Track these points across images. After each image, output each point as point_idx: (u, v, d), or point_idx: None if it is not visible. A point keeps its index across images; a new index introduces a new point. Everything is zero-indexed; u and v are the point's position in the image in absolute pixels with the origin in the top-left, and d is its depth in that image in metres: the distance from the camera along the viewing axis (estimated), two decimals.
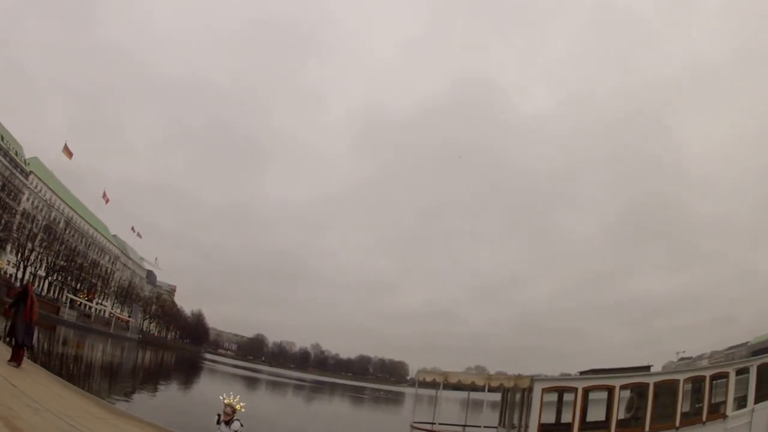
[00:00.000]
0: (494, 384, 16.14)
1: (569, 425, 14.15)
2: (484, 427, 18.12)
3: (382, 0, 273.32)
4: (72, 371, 34.44)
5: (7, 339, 14.78)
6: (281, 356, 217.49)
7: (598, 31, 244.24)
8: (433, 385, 16.69)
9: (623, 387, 14.20)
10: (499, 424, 18.14)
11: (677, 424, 13.92)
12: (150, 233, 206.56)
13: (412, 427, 16.11)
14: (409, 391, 50.45)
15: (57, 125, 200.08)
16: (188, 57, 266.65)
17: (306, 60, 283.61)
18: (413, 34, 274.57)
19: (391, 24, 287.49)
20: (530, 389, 14.92)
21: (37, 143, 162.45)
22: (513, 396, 17.48)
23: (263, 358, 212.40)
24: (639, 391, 14.42)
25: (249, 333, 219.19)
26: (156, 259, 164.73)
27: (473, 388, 17.48)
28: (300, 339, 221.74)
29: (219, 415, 8.57)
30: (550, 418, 14.73)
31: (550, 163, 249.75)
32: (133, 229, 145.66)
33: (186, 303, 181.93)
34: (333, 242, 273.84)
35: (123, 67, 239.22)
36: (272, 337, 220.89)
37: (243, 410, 8.52)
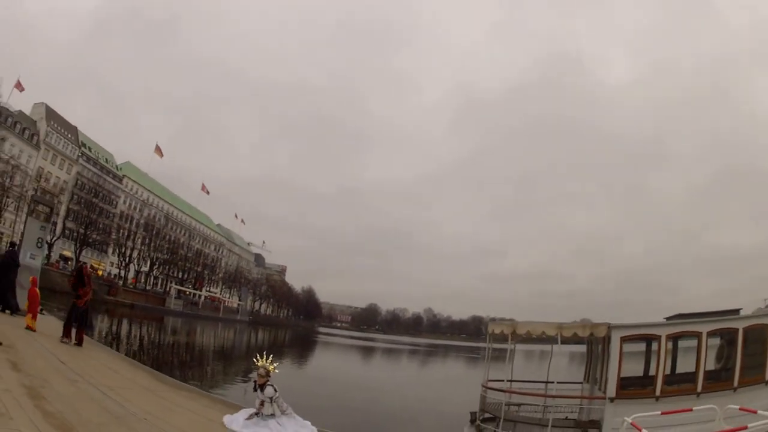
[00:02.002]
0: (567, 333, 13.59)
1: (653, 378, 12.36)
2: (569, 383, 16.11)
3: None
4: (181, 358, 35.05)
5: (70, 322, 14.46)
6: (394, 323, 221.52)
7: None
8: (503, 337, 14.62)
9: (711, 333, 12.47)
10: (584, 378, 16.27)
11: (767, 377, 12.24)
12: (259, 221, 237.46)
13: (484, 387, 14.35)
14: (521, 348, 45.20)
15: (159, 134, 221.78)
16: (283, 59, 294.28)
17: (397, 50, 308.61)
18: (496, 17, 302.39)
19: (473, 8, 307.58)
20: (608, 338, 12.94)
21: (139, 152, 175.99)
22: (595, 347, 15.64)
23: (377, 327, 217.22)
24: (728, 338, 12.74)
25: (362, 304, 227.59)
26: (263, 242, 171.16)
27: (545, 338, 14.76)
28: (412, 305, 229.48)
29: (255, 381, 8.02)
30: (632, 370, 13.14)
31: (636, 129, 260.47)
32: (236, 216, 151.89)
33: (297, 281, 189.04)
34: (438, 216, 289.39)
35: (219, 74, 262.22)
36: (385, 306, 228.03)
37: (277, 371, 8.07)
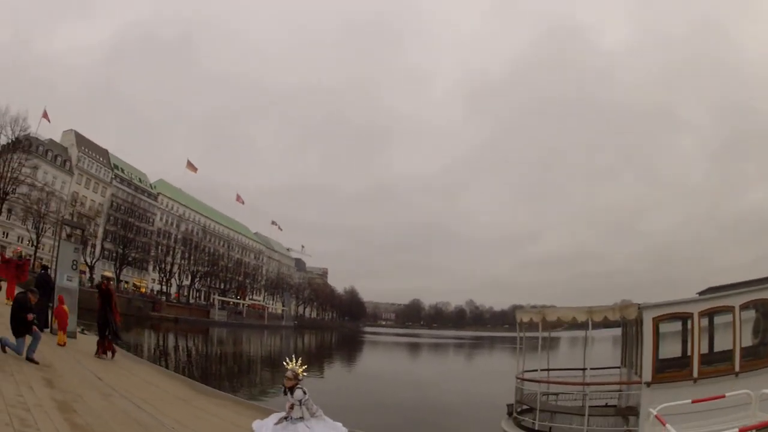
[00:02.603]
0: (597, 318, 13.06)
1: (690, 359, 11.55)
2: (606, 368, 15.97)
3: None
4: (229, 368, 35.51)
5: (103, 335, 15.35)
6: (438, 317, 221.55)
7: None
8: (533, 326, 14.11)
9: (744, 306, 11.50)
10: (621, 363, 15.88)
11: None
12: (296, 226, 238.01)
13: (518, 379, 13.82)
14: (563, 335, 49.49)
15: (189, 151, 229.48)
16: (297, 65, 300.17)
17: (403, 44, 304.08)
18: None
19: None
20: (640, 320, 12.17)
21: (171, 170, 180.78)
22: (630, 329, 14.82)
23: (421, 322, 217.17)
24: (764, 310, 11.76)
25: (405, 300, 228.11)
26: (302, 247, 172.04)
27: (576, 324, 14.15)
28: (454, 298, 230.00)
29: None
30: (670, 351, 12.38)
31: (645, 95, 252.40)
32: (273, 222, 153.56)
33: (339, 283, 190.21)
34: (469, 204, 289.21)
35: (240, 87, 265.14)
36: (427, 301, 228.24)
37: (305, 375, 7.90)
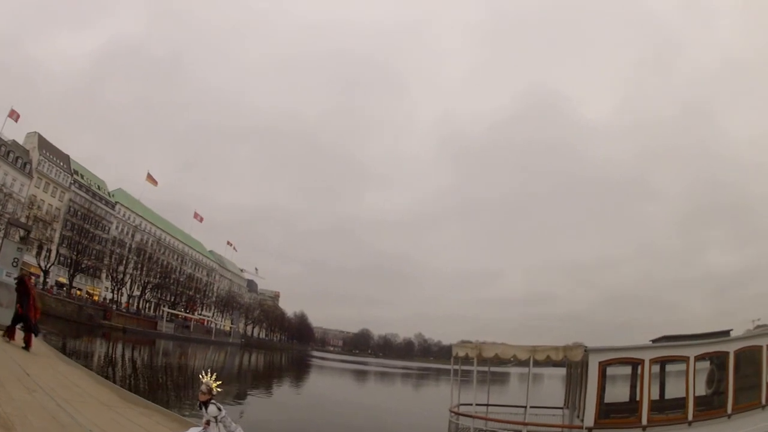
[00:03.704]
0: (540, 357, 12.73)
1: (637, 404, 11.50)
2: (549, 407, 15.57)
3: (447, 31, 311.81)
4: (168, 379, 35.58)
5: (19, 327, 16.15)
6: (386, 347, 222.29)
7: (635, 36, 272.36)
8: (468, 360, 13.94)
9: (699, 357, 11.62)
10: (564, 404, 15.57)
11: (764, 401, 11.41)
12: (253, 249, 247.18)
13: (452, 413, 13.71)
14: (512, 370, 49.23)
15: (159, 165, 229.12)
16: (278, 95, 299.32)
17: (386, 86, 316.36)
18: (479, 58, 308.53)
19: (458, 52, 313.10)
20: (586, 363, 12.20)
21: (134, 181, 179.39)
22: (574, 370, 14.79)
23: (369, 351, 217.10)
24: (719, 361, 11.90)
25: (354, 329, 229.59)
26: (256, 269, 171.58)
27: (516, 362, 14.23)
28: (403, 330, 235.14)
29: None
30: (616, 395, 12.55)
31: (617, 159, 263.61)
32: (229, 243, 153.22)
33: (290, 307, 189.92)
34: (430, 243, 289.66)
35: (217, 109, 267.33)
36: (377, 331, 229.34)
37: (219, 390, 7.49)
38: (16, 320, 16.17)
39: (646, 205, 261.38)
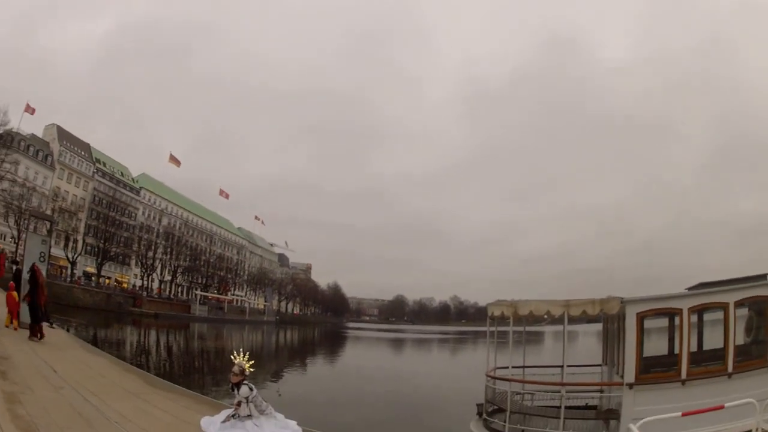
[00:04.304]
0: (574, 312, 11.84)
1: (678, 357, 10.78)
2: (588, 365, 14.99)
3: None
4: (203, 363, 35.71)
5: (32, 322, 15.90)
6: (422, 313, 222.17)
7: None
8: (505, 320, 13.02)
9: (738, 303, 10.84)
10: (603, 361, 14.85)
11: None
12: (282, 223, 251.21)
13: (488, 377, 12.90)
14: (547, 329, 47.17)
15: (181, 146, 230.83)
16: (293, 67, 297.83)
17: (403, 46, 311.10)
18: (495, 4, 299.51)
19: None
20: (623, 315, 11.39)
21: (155, 164, 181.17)
22: (611, 325, 13.98)
23: (405, 318, 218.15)
24: (757, 308, 11.16)
25: (389, 296, 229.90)
26: (286, 242, 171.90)
27: (551, 319, 13.31)
28: (439, 294, 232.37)
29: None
30: (654, 348, 11.61)
31: (638, 99, 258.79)
32: (257, 217, 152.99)
33: (322, 279, 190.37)
34: (458, 204, 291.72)
35: (235, 85, 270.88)
36: (411, 297, 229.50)
37: (252, 370, 7.39)
38: (34, 315, 15.94)
39: (668, 146, 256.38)
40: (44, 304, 16.27)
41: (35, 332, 15.66)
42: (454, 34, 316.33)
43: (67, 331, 24.58)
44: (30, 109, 74.44)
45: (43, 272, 18.17)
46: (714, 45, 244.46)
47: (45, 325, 16.67)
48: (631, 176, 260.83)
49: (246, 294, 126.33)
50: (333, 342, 76.61)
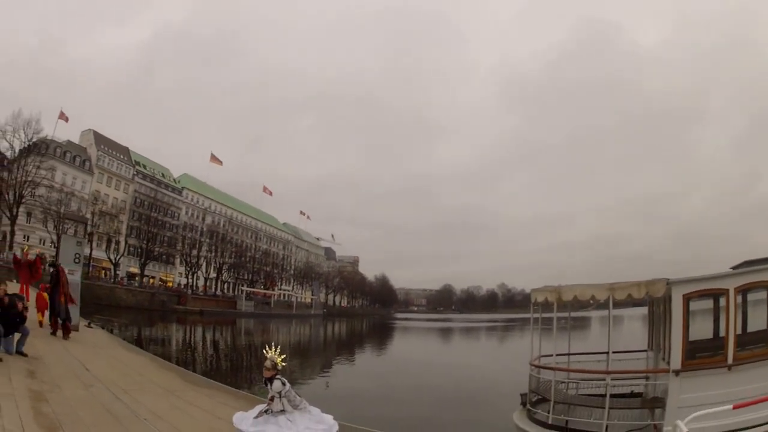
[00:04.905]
0: (619, 296, 11.50)
1: (722, 341, 10.28)
2: (632, 351, 14.57)
3: None
4: (256, 357, 35.39)
5: (51, 318, 16.56)
6: (470, 302, 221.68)
7: None
8: (548, 305, 12.76)
9: None
10: (648, 346, 14.52)
11: None
12: (328, 217, 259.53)
13: (532, 366, 12.69)
14: (593, 314, 47.22)
15: (217, 145, 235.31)
16: (336, 60, 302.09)
17: (440, 36, 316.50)
18: None
19: None
20: (669, 298, 10.94)
21: (198, 164, 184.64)
22: (657, 308, 13.76)
23: (453, 307, 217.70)
24: None
25: (436, 286, 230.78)
26: (332, 236, 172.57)
27: (596, 304, 13.39)
28: (486, 282, 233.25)
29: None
30: (701, 332, 11.07)
31: (674, 86, 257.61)
32: (302, 212, 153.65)
33: (370, 271, 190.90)
34: (502, 191, 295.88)
35: (276, 83, 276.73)
36: (459, 286, 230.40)
37: (284, 364, 7.34)
38: (53, 312, 16.51)
39: (704, 127, 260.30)
40: (65, 303, 16.53)
41: (56, 329, 16.22)
42: (490, 27, 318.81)
43: (111, 331, 25.35)
44: (64, 117, 75.65)
45: (79, 273, 19.18)
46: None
47: (83, 324, 18.06)
48: (669, 160, 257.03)
49: (293, 288, 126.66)
50: (381, 333, 75.93)
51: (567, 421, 10.95)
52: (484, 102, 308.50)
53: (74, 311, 17.62)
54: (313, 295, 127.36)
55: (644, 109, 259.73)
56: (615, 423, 10.37)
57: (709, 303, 11.29)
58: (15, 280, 23.17)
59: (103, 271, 75.48)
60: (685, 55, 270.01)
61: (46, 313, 17.06)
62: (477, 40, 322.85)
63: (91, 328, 21.29)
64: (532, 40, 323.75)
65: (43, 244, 64.86)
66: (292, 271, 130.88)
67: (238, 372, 27.98)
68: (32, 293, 19.66)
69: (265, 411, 7.22)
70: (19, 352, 11.41)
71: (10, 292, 12.13)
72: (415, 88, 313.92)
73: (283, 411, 7.16)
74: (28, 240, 64.57)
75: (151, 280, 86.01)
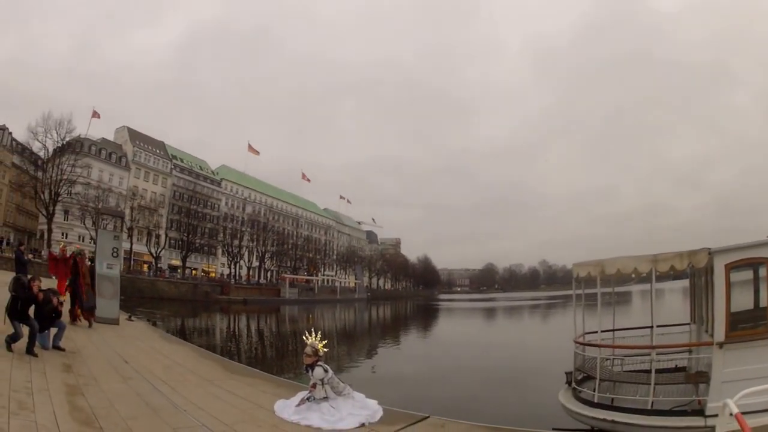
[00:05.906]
0: (662, 268, 10.90)
1: (764, 311, 9.87)
2: (676, 325, 14.09)
3: None
4: (302, 344, 35.00)
5: (73, 307, 16.76)
6: (512, 280, 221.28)
7: None
8: (591, 280, 12.29)
9: None
10: (691, 319, 13.96)
11: None
12: (369, 201, 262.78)
13: (577, 344, 12.23)
14: (634, 288, 45.33)
15: (256, 135, 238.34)
16: (371, 44, 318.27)
17: (471, 14, 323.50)
18: None
19: None
20: (711, 268, 10.43)
21: (237, 154, 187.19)
22: (698, 280, 13.03)
23: (496, 286, 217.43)
24: None
25: (479, 265, 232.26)
26: (373, 219, 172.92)
27: (638, 277, 12.17)
28: (528, 260, 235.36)
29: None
30: (742, 303, 10.23)
31: (705, 51, 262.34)
32: (342, 197, 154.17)
33: (412, 252, 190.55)
34: (540, 166, 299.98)
35: (313, 70, 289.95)
36: (501, 264, 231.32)
37: (326, 350, 7.57)
38: (73, 301, 16.83)
39: (732, 94, 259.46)
40: (85, 292, 16.97)
41: (78, 317, 16.56)
42: (516, 5, 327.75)
43: (153, 324, 25.15)
44: (96, 115, 76.60)
45: (117, 267, 19.98)
46: None
47: (124, 318, 18.80)
48: (699, 127, 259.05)
49: (336, 273, 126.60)
50: (425, 315, 74.32)
51: (612, 399, 10.64)
52: (517, 79, 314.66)
53: (114, 305, 18.62)
54: (356, 279, 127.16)
55: (672, 77, 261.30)
56: (660, 399, 10.11)
57: (748, 273, 10.71)
58: (53, 277, 23.61)
59: (145, 265, 76.57)
60: (713, 19, 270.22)
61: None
62: (505, 21, 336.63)
63: (132, 321, 21.57)
64: (559, 12, 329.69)
65: (83, 241, 65.87)
66: (334, 257, 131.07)
67: (283, 359, 27.63)
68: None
69: (307, 398, 7.22)
70: (56, 347, 11.48)
71: (45, 287, 11.85)
72: (449, 69, 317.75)
73: (326, 398, 7.14)
74: (66, 237, 65.58)
75: (194, 272, 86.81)
